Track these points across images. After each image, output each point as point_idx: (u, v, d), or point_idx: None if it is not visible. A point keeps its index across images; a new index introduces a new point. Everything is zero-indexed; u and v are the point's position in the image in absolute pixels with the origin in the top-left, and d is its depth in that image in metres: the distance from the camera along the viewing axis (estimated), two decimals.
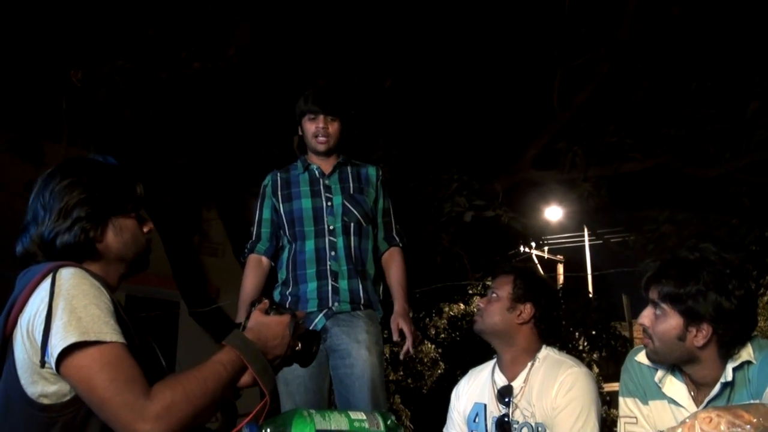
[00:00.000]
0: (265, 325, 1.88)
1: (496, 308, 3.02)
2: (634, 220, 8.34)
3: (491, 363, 3.17)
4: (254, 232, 3.68)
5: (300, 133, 3.68)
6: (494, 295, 3.06)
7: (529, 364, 2.98)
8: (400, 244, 3.73)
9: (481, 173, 7.39)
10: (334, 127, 3.60)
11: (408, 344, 3.39)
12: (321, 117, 3.57)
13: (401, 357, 3.53)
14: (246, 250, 3.68)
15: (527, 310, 3.00)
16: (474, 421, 3.06)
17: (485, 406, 3.04)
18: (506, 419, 2.91)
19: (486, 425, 3.00)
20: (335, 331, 3.41)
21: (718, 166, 7.50)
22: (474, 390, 3.15)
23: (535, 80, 8.03)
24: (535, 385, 2.91)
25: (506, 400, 2.94)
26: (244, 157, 6.76)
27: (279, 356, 1.88)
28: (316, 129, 3.57)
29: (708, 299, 2.23)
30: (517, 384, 2.97)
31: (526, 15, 7.74)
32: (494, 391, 3.02)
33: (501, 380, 3.03)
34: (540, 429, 2.85)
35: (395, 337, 3.40)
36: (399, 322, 3.41)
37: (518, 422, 2.90)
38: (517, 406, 2.92)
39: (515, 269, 3.20)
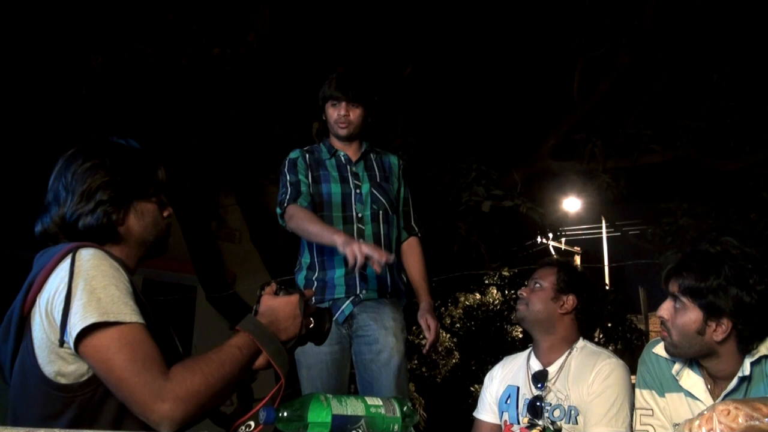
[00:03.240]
0: (275, 308, 1.88)
1: (540, 297, 3.09)
2: (653, 212, 8.32)
3: (527, 351, 3.23)
4: (289, 190, 3.50)
5: (324, 118, 3.68)
6: (538, 285, 3.12)
7: (567, 352, 3.03)
8: (419, 234, 3.73)
9: (499, 163, 7.38)
10: (356, 114, 3.58)
11: (431, 339, 3.44)
12: (343, 104, 3.56)
13: (425, 351, 3.56)
14: (285, 202, 3.48)
15: (570, 301, 3.06)
16: (506, 402, 3.10)
17: (518, 388, 3.08)
18: (538, 402, 2.94)
19: (518, 407, 3.04)
20: (362, 316, 3.41)
21: (737, 160, 7.48)
22: (508, 374, 3.19)
23: (556, 70, 8.00)
24: (571, 371, 2.95)
25: (540, 384, 2.98)
26: (262, 143, 6.77)
27: (293, 336, 1.88)
28: (337, 115, 3.56)
29: (729, 294, 2.21)
30: (552, 369, 3.01)
31: (547, 4, 7.70)
32: (528, 375, 3.07)
33: (536, 365, 3.08)
34: (573, 412, 2.87)
35: (426, 334, 3.44)
36: (428, 318, 3.46)
37: (551, 404, 2.93)
38: (551, 390, 2.96)
39: (559, 262, 3.29)
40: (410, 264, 3.67)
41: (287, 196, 3.48)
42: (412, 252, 3.69)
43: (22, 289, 1.78)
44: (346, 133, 3.58)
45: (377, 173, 3.64)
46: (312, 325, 1.92)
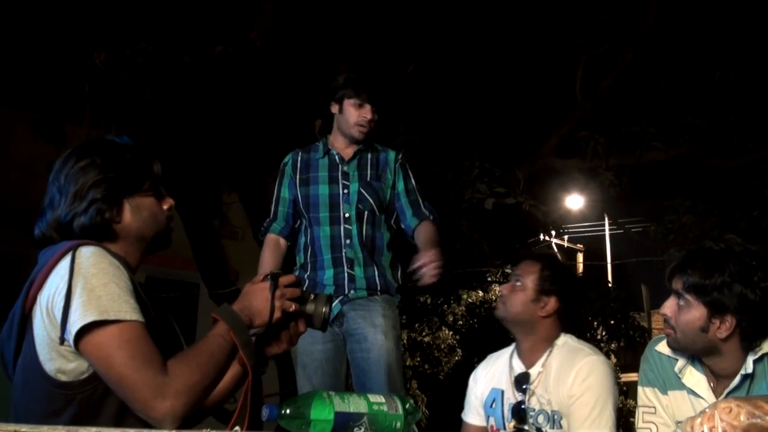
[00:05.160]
0: (248, 293, 1.90)
1: (520, 298, 2.98)
2: (655, 209, 8.31)
3: (509, 349, 3.15)
4: (272, 211, 3.70)
5: (335, 111, 3.65)
6: (518, 283, 3.01)
7: (547, 351, 2.95)
8: (431, 217, 3.63)
9: (502, 160, 7.37)
10: (375, 119, 3.58)
11: (424, 261, 3.18)
12: (368, 107, 3.55)
13: (412, 268, 3.23)
14: (263, 228, 3.71)
15: (551, 303, 2.96)
16: (491, 406, 3.05)
17: (502, 392, 3.03)
18: (522, 406, 2.89)
19: (503, 411, 2.99)
20: (352, 315, 3.41)
21: (740, 157, 7.48)
22: (492, 375, 3.14)
23: (558, 67, 7.99)
24: (552, 372, 2.89)
25: (523, 387, 2.92)
26: (265, 141, 6.77)
27: (265, 321, 1.87)
28: (360, 117, 3.55)
29: (733, 291, 2.21)
30: (534, 371, 2.94)
31: (550, 1, 7.70)
32: (511, 378, 3.00)
33: (518, 367, 3.01)
34: (556, 417, 2.83)
35: (419, 261, 3.19)
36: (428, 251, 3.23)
37: (534, 409, 2.88)
38: (533, 393, 2.90)
39: (543, 258, 3.13)
40: (419, 237, 3.54)
41: (266, 223, 3.70)
42: (424, 230, 3.57)
43: (24, 287, 1.79)
44: (363, 136, 3.59)
45: (368, 172, 3.62)
46: (293, 309, 1.92)
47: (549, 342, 2.98)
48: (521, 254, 3.24)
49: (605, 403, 2.77)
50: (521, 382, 2.94)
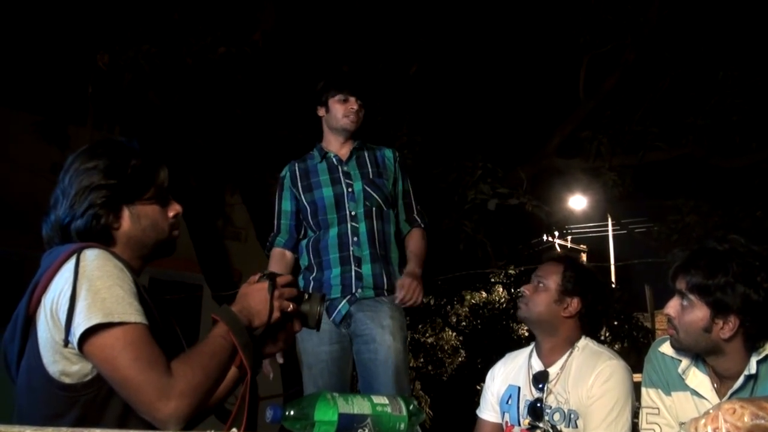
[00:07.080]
0: (246, 294, 1.91)
1: (542, 298, 3.01)
2: (659, 210, 8.31)
3: (529, 348, 3.18)
4: (275, 227, 3.72)
5: (322, 114, 3.70)
6: (541, 284, 3.04)
7: (568, 352, 2.98)
8: (422, 225, 3.74)
9: (505, 160, 7.37)
10: (362, 112, 3.65)
11: (400, 296, 3.40)
12: (353, 99, 3.62)
13: (396, 302, 3.46)
14: (268, 243, 3.73)
15: (574, 304, 2.98)
16: (507, 402, 3.07)
17: (519, 389, 3.05)
18: (539, 404, 2.91)
19: (518, 408, 3.01)
20: (359, 316, 3.42)
21: (743, 157, 7.47)
22: (509, 372, 3.16)
23: (561, 67, 7.99)
24: (572, 372, 2.91)
25: (540, 385, 2.95)
26: (268, 142, 6.77)
27: (264, 321, 1.89)
28: (347, 110, 3.61)
29: (736, 291, 2.21)
30: (553, 370, 2.97)
31: (552, 1, 7.70)
32: (530, 376, 3.03)
33: (538, 365, 3.04)
34: (572, 416, 2.84)
35: (399, 294, 3.42)
36: (404, 278, 3.46)
37: (551, 407, 2.90)
38: (551, 391, 2.92)
39: (566, 259, 3.17)
40: (409, 247, 3.68)
41: (271, 238, 3.71)
42: (413, 239, 3.71)
43: (27, 289, 1.78)
44: (354, 127, 3.65)
45: (369, 169, 3.66)
46: (291, 309, 1.93)
47: (570, 343, 3.00)
48: (545, 257, 3.29)
49: (623, 407, 2.79)
50: (539, 380, 2.97)
